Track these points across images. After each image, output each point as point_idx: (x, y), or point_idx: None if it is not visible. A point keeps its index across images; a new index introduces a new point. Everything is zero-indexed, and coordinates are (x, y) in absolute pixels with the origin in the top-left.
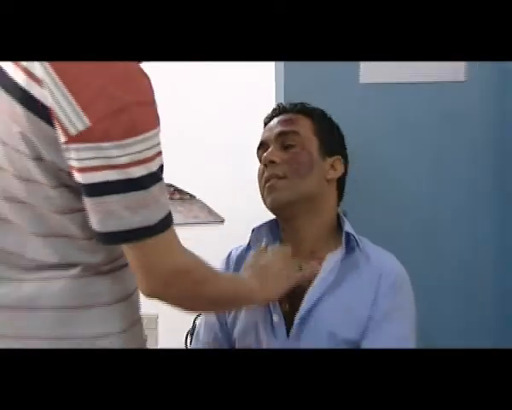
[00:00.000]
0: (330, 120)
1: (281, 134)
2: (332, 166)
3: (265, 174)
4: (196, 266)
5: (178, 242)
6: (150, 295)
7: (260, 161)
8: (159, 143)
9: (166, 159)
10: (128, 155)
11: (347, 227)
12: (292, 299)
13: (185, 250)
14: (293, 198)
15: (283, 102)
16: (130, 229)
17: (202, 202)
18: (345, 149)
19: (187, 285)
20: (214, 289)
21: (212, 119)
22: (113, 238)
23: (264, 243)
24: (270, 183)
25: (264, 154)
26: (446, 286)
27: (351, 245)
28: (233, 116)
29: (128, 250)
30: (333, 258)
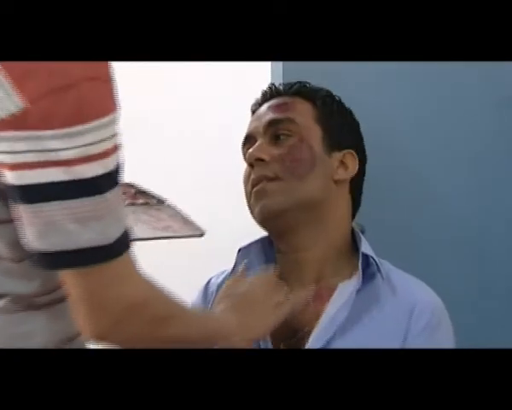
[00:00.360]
0: (339, 103)
1: (271, 123)
2: (342, 164)
3: (252, 176)
4: (157, 300)
5: (136, 267)
6: (98, 336)
7: (245, 159)
8: (117, 134)
9: (127, 151)
10: (76, 147)
11: (365, 247)
12: (291, 343)
13: (144, 278)
14: (287, 205)
15: (276, 84)
16: (79, 248)
17: (175, 209)
18: (360, 140)
19: (144, 324)
20: (178, 329)
21: (188, 104)
22: (56, 261)
23: (243, 265)
24: (257, 187)
25: (250, 150)
26: (495, 322)
27: (369, 271)
28: (217, 104)
29: (70, 277)
30: (346, 288)
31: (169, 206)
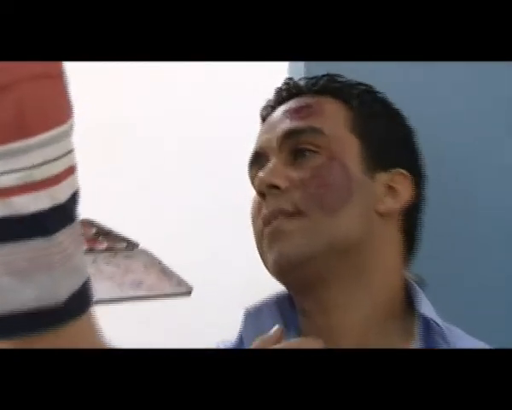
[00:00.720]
0: (384, 102)
1: (289, 134)
2: (389, 189)
3: (263, 210)
4: None
5: (97, 334)
6: None
7: (254, 185)
8: (72, 151)
9: (88, 177)
10: (16, 171)
11: (424, 307)
12: None
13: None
14: (314, 251)
15: (295, 78)
16: (17, 311)
17: (151, 256)
18: (415, 155)
19: None
20: None
21: (189, 110)
22: None
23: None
24: (271, 226)
25: (260, 173)
26: None
27: (431, 340)
28: (222, 114)
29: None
30: None
31: (143, 252)
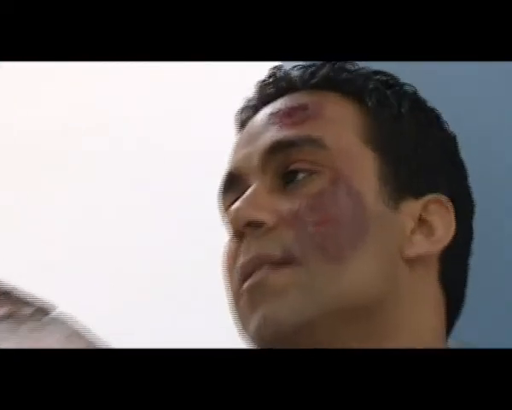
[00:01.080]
0: (414, 100)
1: (277, 148)
2: (422, 223)
3: (242, 257)
4: None
5: None
6: None
7: (228, 222)
8: None
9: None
10: None
11: None
12: None
13: None
14: (314, 316)
15: (284, 66)
16: None
17: (73, 325)
18: (458, 175)
19: None
20: None
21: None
22: None
23: None
24: (252, 279)
25: (237, 203)
26: None
27: None
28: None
29: None
30: None
31: (60, 320)
